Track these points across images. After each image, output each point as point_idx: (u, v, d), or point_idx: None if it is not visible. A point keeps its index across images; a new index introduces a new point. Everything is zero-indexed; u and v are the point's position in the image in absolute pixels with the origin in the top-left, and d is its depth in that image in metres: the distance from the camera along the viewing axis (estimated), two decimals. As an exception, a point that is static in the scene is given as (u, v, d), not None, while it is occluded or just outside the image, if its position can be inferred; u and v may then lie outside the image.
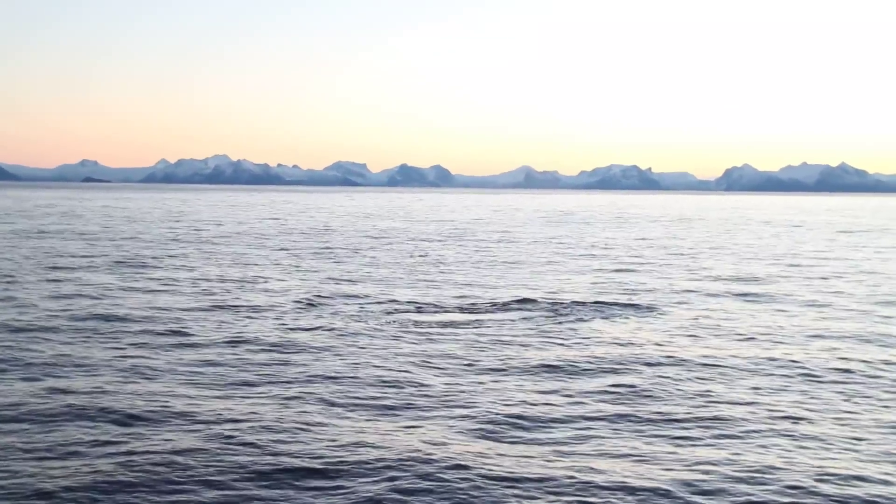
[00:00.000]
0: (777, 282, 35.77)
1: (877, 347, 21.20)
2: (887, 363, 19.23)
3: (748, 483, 11.73)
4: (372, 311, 25.79)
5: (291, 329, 22.57)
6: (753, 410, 15.26)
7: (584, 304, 27.71)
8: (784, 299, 30.01)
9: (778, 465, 12.41)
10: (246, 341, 20.78)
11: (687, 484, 11.65)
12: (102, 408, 14.74)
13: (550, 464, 12.38)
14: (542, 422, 14.44)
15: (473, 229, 77.47)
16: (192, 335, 21.49)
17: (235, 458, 12.41)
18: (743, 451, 13.04)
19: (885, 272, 40.63)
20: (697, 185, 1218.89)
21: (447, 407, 15.27)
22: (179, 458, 12.32)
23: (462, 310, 26.53)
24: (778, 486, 11.67)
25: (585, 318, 25.00)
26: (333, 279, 34.71)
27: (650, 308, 27.18)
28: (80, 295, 28.38)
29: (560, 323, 24.07)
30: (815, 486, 11.67)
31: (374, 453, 12.62)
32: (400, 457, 12.47)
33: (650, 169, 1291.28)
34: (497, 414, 14.77)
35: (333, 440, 13.24)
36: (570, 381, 17.35)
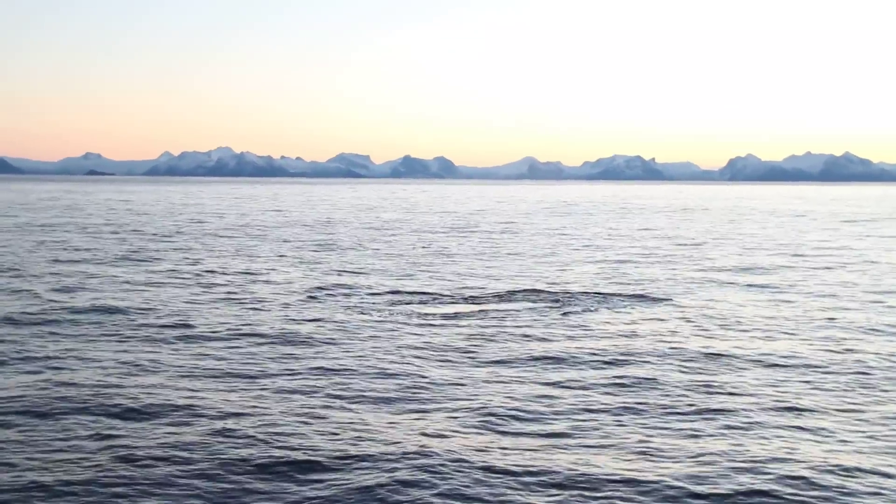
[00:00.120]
0: (781, 272, 35.67)
1: (881, 337, 21.12)
2: (892, 353, 19.15)
3: (753, 474, 11.66)
4: (375, 303, 25.76)
5: (295, 321, 22.55)
6: (757, 401, 15.20)
7: (587, 294, 27.66)
8: (788, 289, 29.92)
9: (782, 456, 12.35)
10: (249, 334, 20.77)
11: (692, 475, 11.59)
12: (104, 400, 14.74)
13: (553, 456, 12.34)
14: (545, 413, 14.39)
15: (477, 220, 77.40)
16: (196, 328, 21.47)
17: (238, 450, 12.39)
18: (747, 442, 12.99)
19: (890, 261, 40.49)
20: (701, 175, 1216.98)
21: (450, 399, 15.23)
22: (182, 451, 12.30)
23: (465, 301, 26.49)
24: (783, 476, 11.60)
25: (589, 308, 24.95)
26: (336, 271, 34.69)
27: (654, 298, 27.11)
28: (83, 288, 28.38)
29: (564, 314, 24.00)
30: (819, 478, 11.61)
31: (378, 446, 12.59)
32: (403, 449, 12.44)
33: (654, 159, 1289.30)
34: (500, 406, 14.73)
35: (336, 432, 13.21)
36: (574, 372, 17.29)
